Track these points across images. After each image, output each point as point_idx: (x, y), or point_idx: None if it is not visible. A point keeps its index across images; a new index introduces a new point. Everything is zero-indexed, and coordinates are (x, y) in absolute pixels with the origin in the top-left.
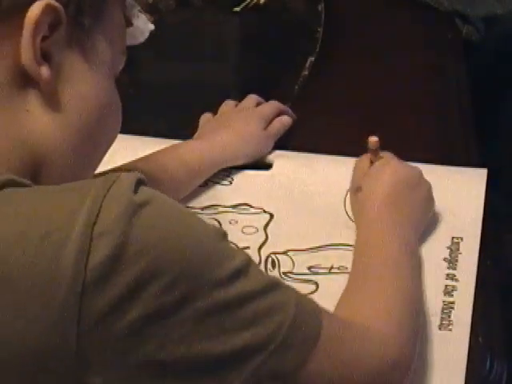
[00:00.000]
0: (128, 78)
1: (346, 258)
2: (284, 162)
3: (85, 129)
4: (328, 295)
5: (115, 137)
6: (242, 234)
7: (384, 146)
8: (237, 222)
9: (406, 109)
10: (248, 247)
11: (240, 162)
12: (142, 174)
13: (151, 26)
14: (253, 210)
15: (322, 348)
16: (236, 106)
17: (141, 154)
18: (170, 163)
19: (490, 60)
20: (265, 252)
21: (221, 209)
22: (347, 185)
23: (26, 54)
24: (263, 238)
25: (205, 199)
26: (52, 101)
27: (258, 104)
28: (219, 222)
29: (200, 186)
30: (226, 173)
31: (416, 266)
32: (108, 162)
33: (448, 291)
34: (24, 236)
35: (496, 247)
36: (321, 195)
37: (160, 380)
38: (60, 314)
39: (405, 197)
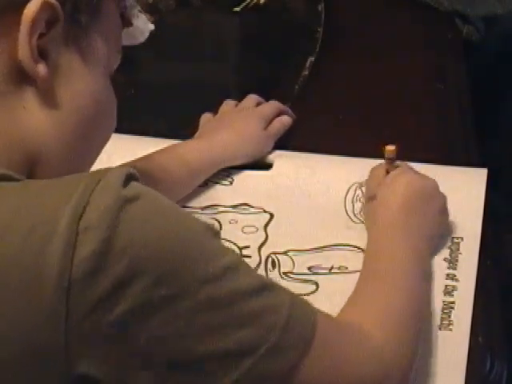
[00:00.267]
0: (128, 78)
1: (346, 258)
2: (284, 161)
3: (80, 126)
4: (328, 295)
5: (110, 135)
6: (242, 234)
7: (384, 145)
8: (237, 221)
9: (406, 109)
10: (248, 247)
11: (240, 162)
12: (139, 172)
13: (151, 26)
14: (253, 210)
15: (315, 352)
16: (236, 105)
17: (140, 154)
18: (169, 163)
19: (489, 60)
20: (265, 252)
21: (221, 209)
22: (347, 185)
23: (23, 52)
24: (263, 237)
25: (205, 199)
26: (48, 98)
27: (258, 104)
28: (219, 222)
29: (200, 186)
30: (225, 173)
31: (424, 277)
32: (107, 162)
33: (448, 291)
34: (10, 230)
35: (496, 247)
36: (321, 195)
37: (148, 373)
38: (47, 309)
39: (418, 208)
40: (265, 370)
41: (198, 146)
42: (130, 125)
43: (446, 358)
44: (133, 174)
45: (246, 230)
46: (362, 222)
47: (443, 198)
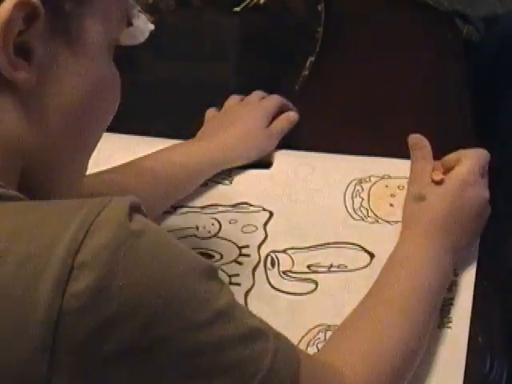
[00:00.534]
0: (128, 78)
1: (345, 257)
2: (284, 160)
3: (74, 120)
4: (327, 294)
5: (113, 113)
6: (242, 233)
7: (384, 145)
8: (237, 221)
9: (406, 109)
10: (247, 246)
11: (242, 163)
12: (138, 172)
13: (151, 26)
14: (252, 209)
15: None
16: (241, 100)
17: (140, 154)
18: (169, 164)
19: (489, 60)
20: (264, 250)
21: (220, 208)
22: (347, 181)
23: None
24: (263, 236)
25: (205, 199)
26: (34, 98)
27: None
28: (219, 222)
29: (200, 186)
30: (226, 172)
31: (438, 307)
32: (107, 162)
33: (448, 291)
34: (2, 260)
35: (496, 247)
36: (320, 194)
37: None
38: (33, 341)
39: (465, 221)
40: None
41: (198, 148)
42: (130, 125)
43: (445, 357)
44: (136, 205)
45: (245, 229)
46: (362, 218)
47: (488, 212)
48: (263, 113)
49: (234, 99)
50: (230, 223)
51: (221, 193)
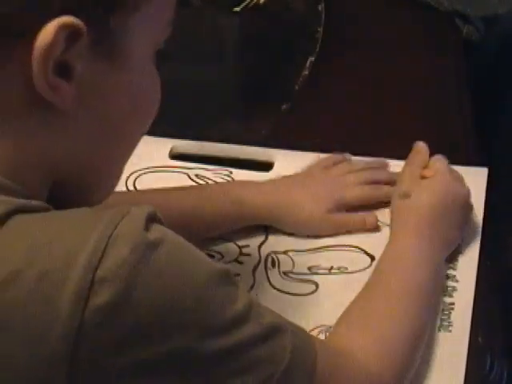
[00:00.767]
0: None
1: (346, 259)
2: (284, 161)
3: (111, 134)
4: (328, 295)
5: (148, 126)
6: (242, 233)
7: (384, 145)
8: None
9: (406, 109)
10: (248, 245)
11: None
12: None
13: None
14: None
15: None
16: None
17: (140, 154)
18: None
19: (490, 60)
20: (264, 251)
21: None
22: None
23: (39, 83)
24: (263, 237)
25: None
26: (72, 114)
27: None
28: None
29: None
30: (226, 173)
31: (437, 293)
32: None
33: (448, 292)
34: (22, 274)
35: (496, 247)
36: None
37: None
38: (52, 356)
39: (449, 215)
40: None
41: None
42: None
43: (446, 359)
44: (153, 215)
45: (246, 229)
46: None
47: (471, 209)
48: (336, 200)
49: (321, 164)
50: None
51: None
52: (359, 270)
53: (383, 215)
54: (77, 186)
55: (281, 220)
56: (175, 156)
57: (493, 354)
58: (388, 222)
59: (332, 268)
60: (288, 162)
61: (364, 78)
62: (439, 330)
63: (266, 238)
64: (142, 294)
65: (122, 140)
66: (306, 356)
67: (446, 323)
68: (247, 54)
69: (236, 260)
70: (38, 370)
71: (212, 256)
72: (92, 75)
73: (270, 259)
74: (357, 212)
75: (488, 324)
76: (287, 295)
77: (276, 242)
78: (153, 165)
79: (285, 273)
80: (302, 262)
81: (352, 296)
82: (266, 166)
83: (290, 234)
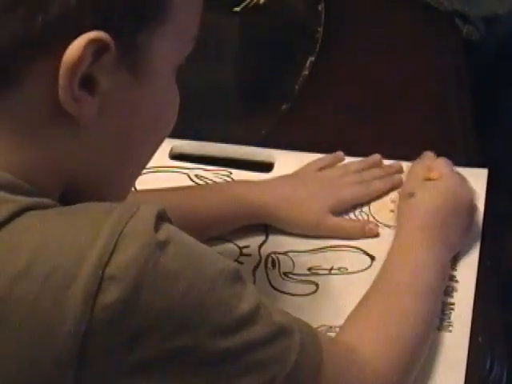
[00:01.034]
0: None
1: (346, 260)
2: (285, 162)
3: (129, 145)
4: (328, 296)
5: (164, 139)
6: (242, 233)
7: (384, 145)
8: None
9: (406, 109)
10: (248, 246)
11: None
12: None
13: None
14: None
15: None
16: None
17: None
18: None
19: (490, 60)
20: (265, 251)
21: None
22: None
23: (64, 95)
24: (263, 237)
25: None
26: (92, 125)
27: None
28: None
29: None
30: (226, 173)
31: (440, 295)
32: None
33: (448, 292)
34: (29, 271)
35: (496, 247)
36: None
37: None
38: (60, 353)
39: (454, 218)
40: None
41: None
42: None
43: (446, 359)
44: (163, 213)
45: (246, 230)
46: None
47: (477, 211)
48: (337, 204)
49: (315, 165)
50: None
51: None
52: (359, 271)
53: (383, 216)
54: (90, 192)
55: (279, 219)
56: (175, 156)
57: (493, 353)
58: (388, 222)
59: (332, 268)
60: (288, 162)
61: (364, 77)
62: (439, 330)
63: (267, 239)
64: (150, 292)
65: (138, 153)
66: (312, 356)
67: (445, 323)
68: (247, 53)
69: (236, 260)
70: (45, 368)
71: None
72: (115, 89)
73: (270, 260)
74: (355, 210)
75: (488, 324)
76: (287, 296)
77: (276, 243)
78: (153, 165)
79: (285, 273)
80: (303, 262)
81: (352, 296)
82: (266, 166)
83: (291, 235)
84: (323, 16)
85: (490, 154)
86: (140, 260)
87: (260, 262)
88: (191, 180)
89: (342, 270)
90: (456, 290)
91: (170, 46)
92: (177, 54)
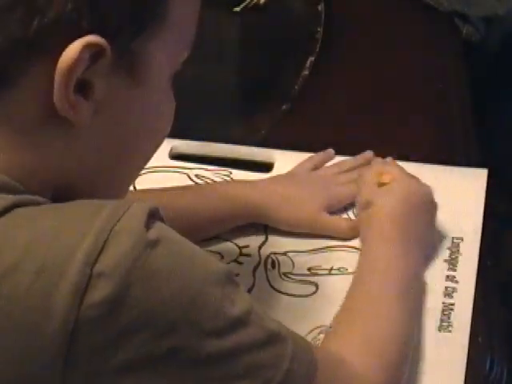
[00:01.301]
0: None
1: (345, 260)
2: (285, 162)
3: (124, 150)
4: (328, 296)
5: (160, 145)
6: (242, 234)
7: (384, 146)
8: None
9: (406, 109)
10: (248, 246)
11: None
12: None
13: None
14: None
15: None
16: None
17: None
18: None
19: (490, 60)
20: (264, 252)
21: None
22: None
23: (59, 99)
24: (263, 238)
25: None
26: (87, 129)
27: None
28: None
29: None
30: (226, 173)
31: (418, 296)
32: None
33: (448, 293)
34: (18, 268)
35: (496, 247)
36: None
37: None
38: (47, 351)
39: (416, 217)
40: None
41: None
42: None
43: (446, 360)
44: (155, 212)
45: (245, 230)
46: None
47: (436, 206)
48: (329, 201)
49: (307, 164)
50: None
51: None
52: None
53: None
54: (84, 194)
55: (271, 217)
56: (175, 156)
57: (493, 354)
58: None
59: (332, 269)
60: (288, 162)
61: (364, 78)
62: (439, 330)
63: (266, 239)
64: (138, 291)
65: (133, 158)
66: (304, 366)
67: (445, 323)
68: (247, 53)
69: (236, 260)
70: (33, 366)
71: None
72: (110, 94)
73: (269, 260)
74: (353, 209)
75: (488, 324)
76: (287, 296)
77: (276, 243)
78: (153, 165)
79: (285, 274)
80: (302, 262)
81: None
82: (266, 166)
83: (290, 235)
84: (323, 16)
85: (490, 153)
86: (130, 257)
87: (260, 262)
88: (191, 180)
89: (342, 270)
90: (456, 290)
91: (167, 52)
92: (173, 60)
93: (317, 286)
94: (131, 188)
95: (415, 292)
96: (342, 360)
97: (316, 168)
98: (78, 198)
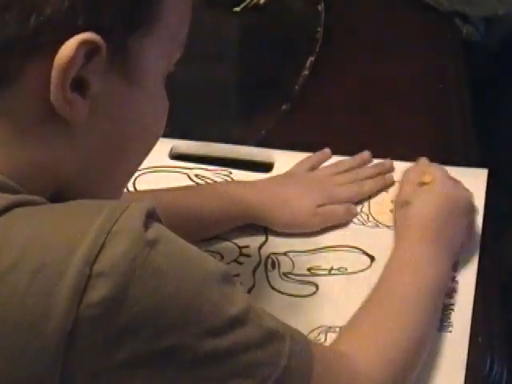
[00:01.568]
0: None
1: (345, 260)
2: (285, 162)
3: (119, 148)
4: (328, 296)
5: (155, 143)
6: (242, 234)
7: (384, 146)
8: None
9: (406, 109)
10: (248, 246)
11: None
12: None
13: None
14: None
15: None
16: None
17: None
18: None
19: (489, 60)
20: (265, 252)
21: None
22: None
23: (55, 96)
24: (263, 238)
25: None
26: (83, 127)
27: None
28: None
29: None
30: (226, 173)
31: (442, 296)
32: None
33: (448, 293)
34: (16, 268)
35: (496, 247)
36: None
37: None
38: (46, 350)
39: (452, 222)
40: None
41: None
42: None
43: (446, 359)
44: (153, 212)
45: (246, 230)
46: (363, 223)
47: (476, 212)
48: (322, 195)
49: (305, 165)
50: None
51: None
52: (359, 271)
53: (383, 217)
54: (81, 192)
55: (272, 220)
56: (175, 156)
57: (493, 353)
58: (387, 223)
59: (332, 269)
60: (288, 162)
61: (364, 77)
62: (439, 331)
63: (266, 239)
64: (137, 291)
65: (128, 156)
66: (303, 363)
67: (445, 323)
68: (247, 53)
69: (236, 261)
70: (32, 365)
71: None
72: (106, 92)
73: (270, 260)
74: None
75: (488, 324)
76: (287, 296)
77: (276, 243)
78: (153, 165)
79: (285, 274)
80: (302, 262)
81: (352, 296)
82: (266, 167)
83: (290, 235)
84: (323, 16)
85: (490, 154)
86: (129, 257)
87: (260, 262)
88: (191, 180)
89: (342, 270)
90: (456, 291)
91: (160, 50)
92: (166, 59)
93: (317, 286)
94: (131, 188)
95: (440, 297)
96: (346, 358)
97: (314, 168)
98: (76, 199)
